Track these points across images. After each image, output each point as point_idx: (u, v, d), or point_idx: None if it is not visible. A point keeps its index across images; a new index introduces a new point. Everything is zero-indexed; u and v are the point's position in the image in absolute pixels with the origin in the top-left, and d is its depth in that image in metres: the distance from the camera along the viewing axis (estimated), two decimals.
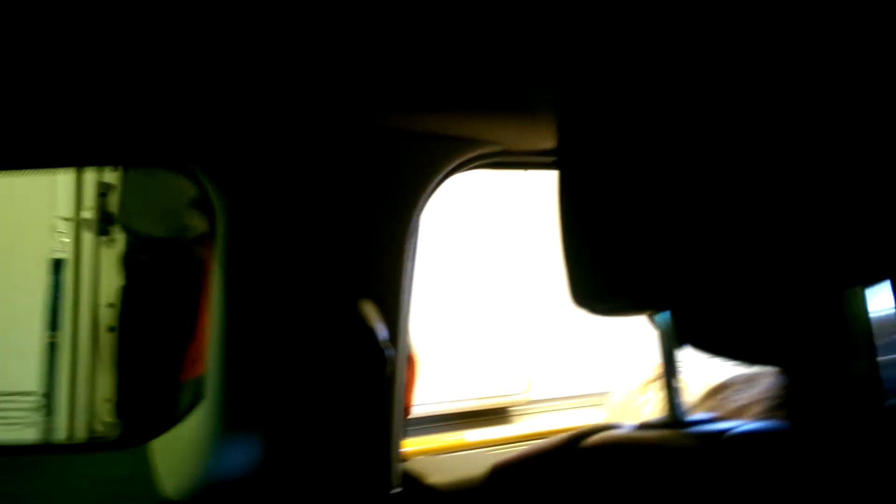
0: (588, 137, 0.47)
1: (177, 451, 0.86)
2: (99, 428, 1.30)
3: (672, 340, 0.59)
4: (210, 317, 0.84)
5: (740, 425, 0.54)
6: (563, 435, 0.65)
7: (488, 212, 2.55)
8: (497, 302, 2.56)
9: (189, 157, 0.82)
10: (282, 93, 0.79)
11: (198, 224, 1.14)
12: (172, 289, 1.12)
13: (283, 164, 0.84)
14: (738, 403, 0.80)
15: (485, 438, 2.20)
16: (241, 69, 0.73)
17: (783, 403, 0.55)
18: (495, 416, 2.50)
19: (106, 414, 1.28)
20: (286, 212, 0.85)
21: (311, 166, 0.85)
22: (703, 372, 0.97)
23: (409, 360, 1.11)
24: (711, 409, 0.91)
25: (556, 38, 0.71)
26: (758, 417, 0.64)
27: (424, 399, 2.17)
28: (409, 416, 1.23)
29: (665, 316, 0.56)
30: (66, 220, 1.52)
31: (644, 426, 0.64)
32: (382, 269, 0.90)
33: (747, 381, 0.81)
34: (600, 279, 0.46)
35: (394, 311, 0.90)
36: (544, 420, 2.54)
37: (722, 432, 0.52)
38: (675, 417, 0.67)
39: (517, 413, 2.57)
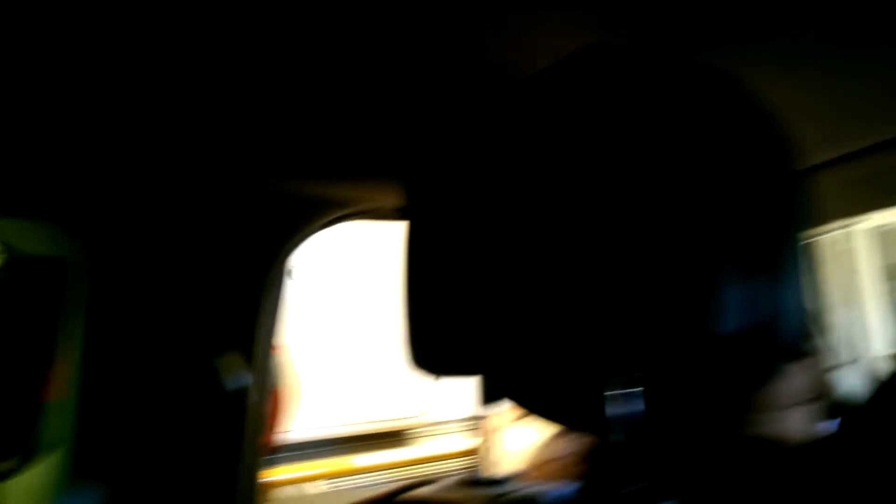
0: (427, 207, 0.53)
1: (22, 497, 0.86)
2: None
3: (493, 398, 0.67)
4: (63, 364, 0.85)
5: (526, 487, 0.62)
6: (387, 489, 0.70)
7: (386, 238, 2.60)
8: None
9: (47, 211, 0.83)
10: (145, 152, 0.82)
11: None
12: (33, 312, 1.08)
13: (145, 219, 0.87)
14: (555, 457, 0.88)
15: (374, 463, 2.23)
16: (103, 127, 0.75)
17: (582, 461, 0.63)
18: (391, 439, 2.54)
19: None
20: (147, 263, 0.87)
21: (177, 223, 0.88)
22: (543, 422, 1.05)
23: (275, 400, 1.15)
24: (541, 461, 0.99)
25: (405, 120, 0.77)
26: (560, 475, 0.73)
27: (316, 423, 2.19)
28: (273, 450, 1.25)
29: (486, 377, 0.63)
30: None
31: (457, 483, 0.70)
32: (246, 319, 0.94)
33: (566, 435, 0.89)
34: (431, 343, 0.51)
35: (256, 358, 0.95)
36: (439, 443, 2.60)
37: (501, 495, 0.59)
38: (486, 474, 0.74)
39: (413, 436, 2.62)
